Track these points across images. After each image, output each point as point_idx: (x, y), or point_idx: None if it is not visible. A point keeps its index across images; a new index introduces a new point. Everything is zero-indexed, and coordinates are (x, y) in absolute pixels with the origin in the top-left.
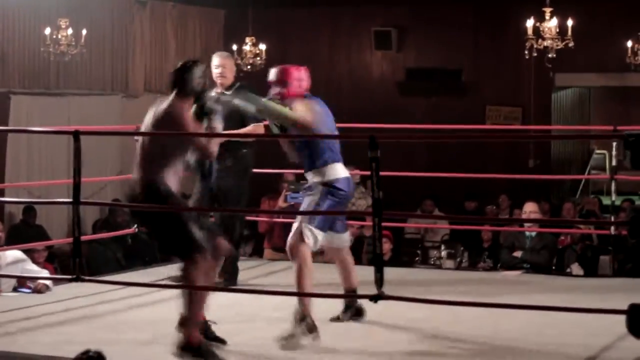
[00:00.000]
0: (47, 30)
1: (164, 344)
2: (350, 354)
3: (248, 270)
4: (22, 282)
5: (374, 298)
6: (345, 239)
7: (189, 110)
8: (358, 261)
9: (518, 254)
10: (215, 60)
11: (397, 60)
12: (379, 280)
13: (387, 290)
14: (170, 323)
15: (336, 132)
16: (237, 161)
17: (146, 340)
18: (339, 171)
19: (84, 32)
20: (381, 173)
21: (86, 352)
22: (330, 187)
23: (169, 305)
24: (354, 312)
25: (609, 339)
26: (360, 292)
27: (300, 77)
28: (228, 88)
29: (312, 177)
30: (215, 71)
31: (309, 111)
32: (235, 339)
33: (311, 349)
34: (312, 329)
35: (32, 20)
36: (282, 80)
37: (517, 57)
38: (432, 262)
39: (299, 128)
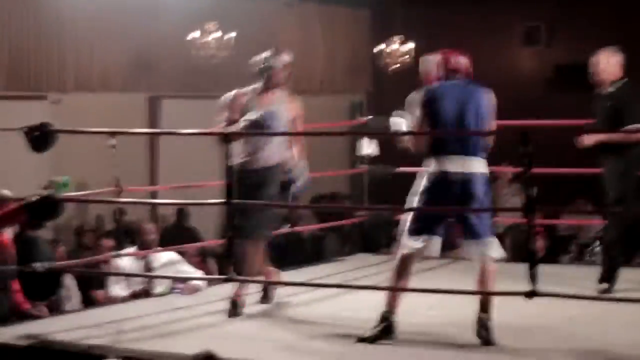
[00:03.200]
0: (196, 34)
1: (312, 344)
2: (504, 354)
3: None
4: (176, 284)
5: (529, 294)
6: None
7: None
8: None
9: None
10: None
11: (546, 55)
12: (533, 277)
13: (541, 287)
14: (321, 322)
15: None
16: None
17: (294, 340)
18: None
19: (232, 35)
20: (534, 170)
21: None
22: None
23: (320, 304)
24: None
25: None
26: (514, 289)
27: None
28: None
29: None
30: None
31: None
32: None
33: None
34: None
35: (181, 24)
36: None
37: None
38: (587, 259)
39: None
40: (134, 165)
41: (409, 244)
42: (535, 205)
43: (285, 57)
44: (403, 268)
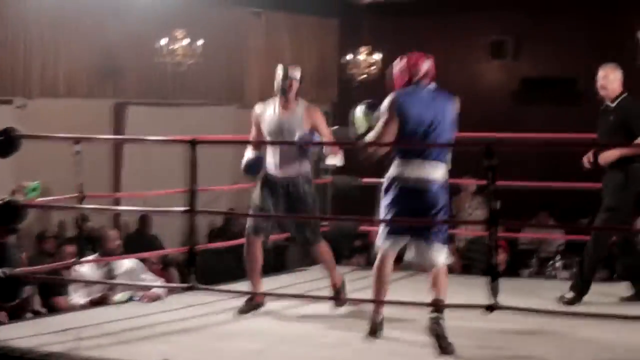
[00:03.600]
0: (164, 41)
1: (276, 353)
2: None
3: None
4: (136, 291)
5: (489, 308)
6: None
7: None
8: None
9: None
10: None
11: (513, 69)
12: (494, 290)
13: (501, 300)
14: (281, 331)
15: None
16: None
17: (257, 349)
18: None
19: (200, 42)
20: (497, 183)
21: None
22: None
23: (281, 314)
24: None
25: None
26: (474, 302)
27: (402, 67)
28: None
29: None
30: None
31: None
32: (349, 347)
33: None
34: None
35: (149, 31)
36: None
37: (633, 66)
38: (548, 273)
39: None
40: (97, 172)
41: (381, 245)
42: (497, 218)
43: (297, 70)
44: (381, 269)
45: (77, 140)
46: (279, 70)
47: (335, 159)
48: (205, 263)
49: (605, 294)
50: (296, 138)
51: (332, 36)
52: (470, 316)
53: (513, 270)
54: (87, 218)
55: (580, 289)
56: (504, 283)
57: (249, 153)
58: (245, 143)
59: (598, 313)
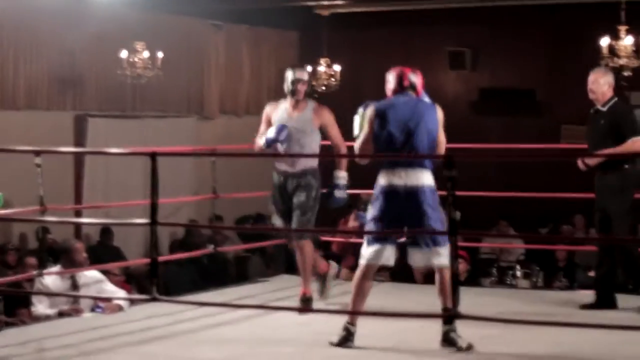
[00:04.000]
0: (124, 54)
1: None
2: None
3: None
4: (99, 303)
5: (450, 317)
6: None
7: None
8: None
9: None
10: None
11: (471, 80)
12: (455, 300)
13: (462, 309)
14: (243, 342)
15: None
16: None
17: (220, 359)
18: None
19: (160, 55)
20: (457, 193)
21: None
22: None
23: (243, 325)
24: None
25: None
26: (437, 311)
27: (388, 79)
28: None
29: None
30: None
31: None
32: (310, 357)
33: None
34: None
35: (109, 43)
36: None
37: None
38: (508, 282)
39: None
40: (59, 184)
41: (365, 254)
42: (457, 228)
43: (304, 72)
44: (363, 278)
45: (38, 153)
46: (288, 73)
47: (341, 192)
48: (167, 274)
49: (565, 302)
50: (305, 136)
51: (292, 48)
52: (432, 324)
53: (474, 279)
54: (49, 230)
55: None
56: (465, 292)
57: (270, 131)
58: (206, 155)
59: (557, 321)
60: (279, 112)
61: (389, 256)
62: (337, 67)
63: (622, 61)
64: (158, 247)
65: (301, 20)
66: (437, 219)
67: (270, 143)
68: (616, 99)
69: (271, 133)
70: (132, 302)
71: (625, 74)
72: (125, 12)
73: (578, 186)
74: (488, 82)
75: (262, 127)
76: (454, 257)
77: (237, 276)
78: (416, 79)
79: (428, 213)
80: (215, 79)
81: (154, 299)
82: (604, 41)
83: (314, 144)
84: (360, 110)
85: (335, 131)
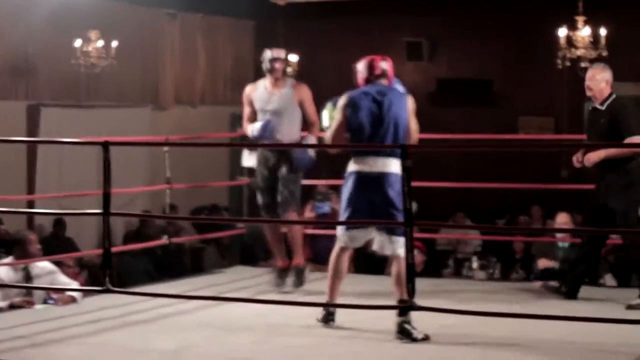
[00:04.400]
0: (78, 42)
1: (192, 354)
2: None
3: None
4: (52, 295)
5: (406, 308)
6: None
7: None
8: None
9: (551, 264)
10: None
11: (429, 70)
12: (411, 291)
13: (418, 301)
14: (198, 333)
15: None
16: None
17: (174, 349)
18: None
19: (114, 44)
20: (413, 184)
21: None
22: None
23: (198, 316)
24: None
25: None
26: (391, 302)
27: (359, 68)
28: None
29: None
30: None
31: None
32: (264, 347)
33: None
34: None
35: (62, 32)
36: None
37: (549, 67)
38: (464, 274)
39: None
40: (11, 174)
41: (339, 236)
42: (413, 219)
43: (281, 51)
44: (338, 262)
45: None
46: (266, 53)
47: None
48: (122, 265)
49: (522, 293)
50: (287, 113)
51: (247, 37)
52: (388, 315)
53: (431, 270)
54: (1, 221)
55: None
56: (421, 283)
57: (255, 124)
58: (158, 145)
59: (513, 313)
60: (259, 91)
61: (363, 238)
62: (293, 57)
63: (580, 52)
64: (111, 237)
65: (257, 9)
66: (399, 206)
67: (258, 139)
68: (614, 96)
69: (256, 130)
70: (86, 293)
71: (583, 65)
72: (79, 1)
73: (535, 177)
74: (445, 73)
75: (246, 109)
76: (410, 248)
77: (193, 267)
78: (387, 66)
79: (392, 199)
80: (170, 68)
81: (107, 290)
82: (562, 32)
83: (296, 120)
84: (329, 104)
85: (312, 108)
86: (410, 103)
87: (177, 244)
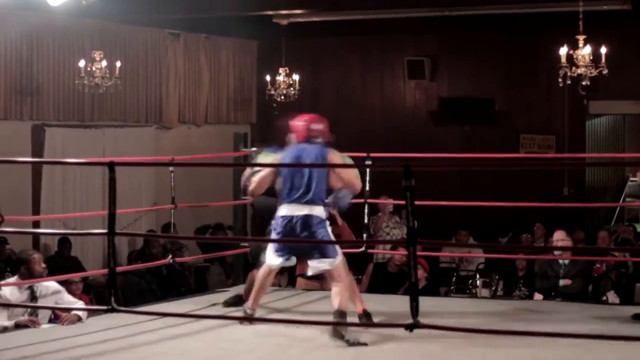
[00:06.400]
0: (82, 63)
1: None
2: None
3: (283, 300)
4: (57, 314)
5: (410, 327)
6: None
7: None
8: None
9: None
10: None
11: (430, 89)
12: (414, 309)
13: (422, 319)
14: (204, 353)
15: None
16: None
17: None
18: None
19: (118, 64)
20: (415, 202)
21: None
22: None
23: (203, 336)
24: None
25: None
26: (396, 321)
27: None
28: None
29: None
30: None
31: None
32: None
33: None
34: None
35: (67, 52)
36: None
37: (550, 85)
38: (468, 291)
39: None
40: (16, 194)
41: (269, 259)
42: (416, 237)
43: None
44: (266, 279)
45: None
46: None
47: None
48: (126, 285)
49: (525, 311)
50: None
51: (250, 57)
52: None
53: (434, 288)
54: (6, 241)
55: None
56: (424, 301)
57: None
58: (162, 165)
59: (517, 330)
60: None
61: (289, 263)
62: (295, 77)
63: (581, 70)
64: (116, 257)
65: (260, 30)
66: (326, 235)
67: None
68: None
69: None
70: (91, 312)
71: (584, 83)
72: (83, 22)
73: (537, 195)
74: (447, 91)
75: None
76: (414, 266)
77: (197, 286)
78: (320, 127)
79: (317, 230)
80: (173, 88)
81: (112, 310)
82: (563, 50)
83: None
84: (269, 151)
85: None
86: (332, 158)
87: (182, 263)
